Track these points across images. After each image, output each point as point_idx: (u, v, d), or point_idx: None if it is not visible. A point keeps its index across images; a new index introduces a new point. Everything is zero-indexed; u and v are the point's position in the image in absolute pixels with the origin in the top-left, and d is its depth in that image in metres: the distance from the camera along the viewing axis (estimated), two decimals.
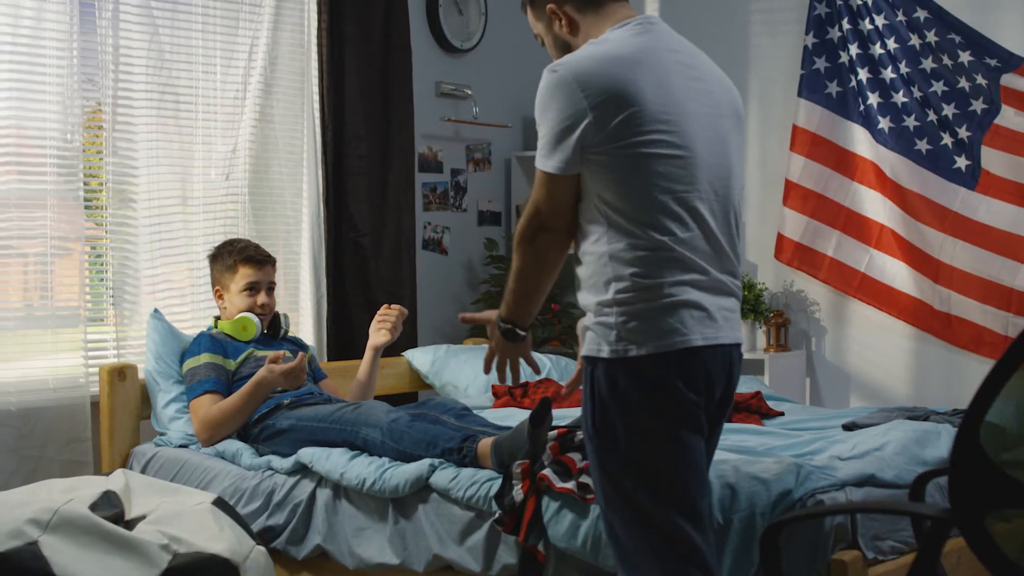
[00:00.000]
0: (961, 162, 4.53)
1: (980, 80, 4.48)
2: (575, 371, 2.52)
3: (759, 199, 5.12)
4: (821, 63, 4.84)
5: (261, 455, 3.51)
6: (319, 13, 4.57)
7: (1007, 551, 1.70)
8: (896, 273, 4.70)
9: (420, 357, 4.53)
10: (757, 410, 3.77)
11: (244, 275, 3.85)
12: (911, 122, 4.63)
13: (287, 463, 3.35)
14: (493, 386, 4.20)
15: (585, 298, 2.28)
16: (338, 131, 4.62)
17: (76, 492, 2.95)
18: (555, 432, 2.85)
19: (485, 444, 2.99)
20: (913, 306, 4.67)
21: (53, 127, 3.83)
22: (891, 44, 4.64)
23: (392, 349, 4.23)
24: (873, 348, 4.86)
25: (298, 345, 4.01)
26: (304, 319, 4.58)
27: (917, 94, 4.60)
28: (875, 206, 4.74)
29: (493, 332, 2.40)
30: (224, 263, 3.88)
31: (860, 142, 4.78)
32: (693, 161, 2.24)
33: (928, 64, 4.57)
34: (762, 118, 5.11)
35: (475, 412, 3.51)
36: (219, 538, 2.92)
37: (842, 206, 4.83)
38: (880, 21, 4.67)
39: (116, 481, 3.07)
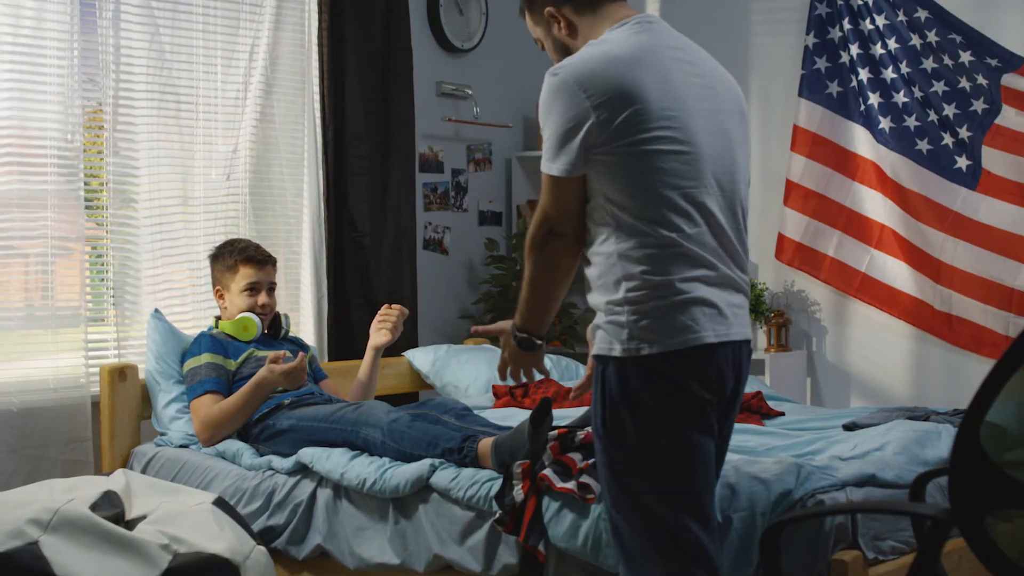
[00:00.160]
0: (962, 162, 4.53)
1: (981, 80, 4.48)
2: (584, 375, 2.53)
3: (760, 199, 5.12)
4: (822, 63, 4.84)
5: (262, 455, 3.51)
6: (320, 13, 4.57)
7: (1007, 551, 1.70)
8: (897, 273, 4.70)
9: (421, 357, 4.53)
10: (758, 410, 3.77)
11: (245, 275, 3.85)
12: (912, 122, 4.63)
13: (287, 463, 3.35)
14: (494, 386, 4.21)
15: (595, 298, 2.29)
16: (339, 131, 4.62)
17: (77, 492, 2.95)
18: (555, 432, 2.85)
19: (485, 444, 2.99)
20: (914, 306, 4.67)
21: (54, 127, 3.83)
22: (892, 44, 4.64)
23: (392, 349, 4.23)
24: (874, 348, 4.86)
25: (299, 345, 4.01)
26: (305, 319, 4.58)
27: (918, 94, 4.60)
28: (876, 206, 4.74)
29: (508, 342, 2.41)
30: (225, 263, 3.88)
31: (861, 142, 4.78)
32: (698, 156, 2.25)
33: (929, 64, 4.57)
34: (763, 118, 5.11)
35: (475, 412, 3.51)
36: (219, 538, 2.92)
37: (843, 206, 4.83)
38: (881, 21, 4.67)
39: (116, 481, 3.07)
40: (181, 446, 3.68)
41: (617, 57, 2.23)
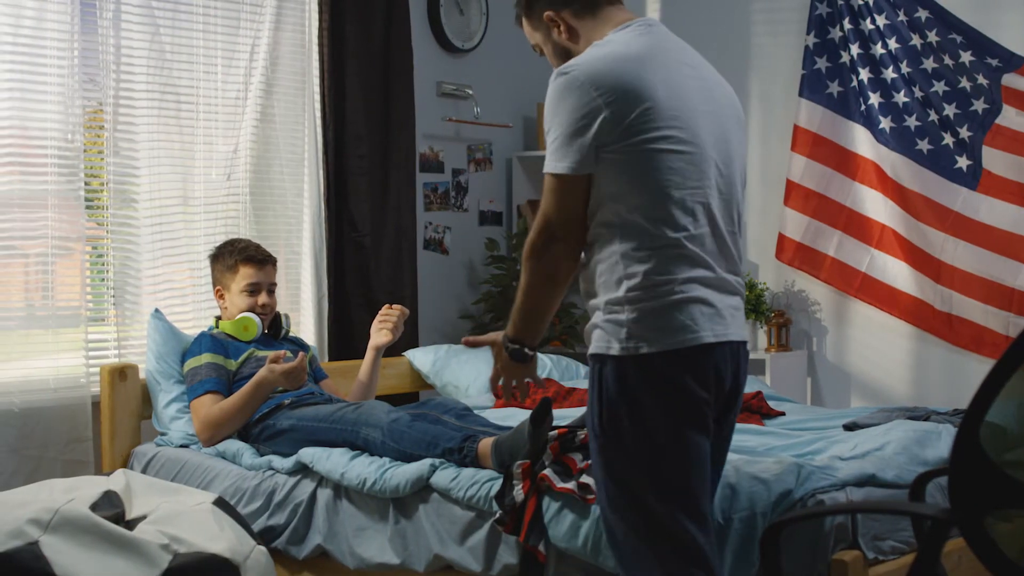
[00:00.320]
0: (962, 162, 4.53)
1: (981, 80, 4.47)
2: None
3: (760, 199, 5.12)
4: (822, 63, 4.84)
5: (262, 455, 3.51)
6: (320, 13, 4.57)
7: (1007, 551, 1.70)
8: (897, 273, 4.70)
9: (421, 357, 4.53)
10: (758, 410, 3.77)
11: (245, 275, 3.85)
12: (912, 122, 4.63)
13: (288, 463, 3.35)
14: None
15: (595, 297, 2.28)
16: (339, 131, 4.62)
17: (77, 492, 2.95)
18: (556, 432, 2.85)
19: (486, 444, 2.99)
20: (914, 306, 4.67)
21: (54, 127, 3.83)
22: (892, 44, 4.64)
23: (393, 349, 4.23)
24: (874, 348, 4.86)
25: (299, 345, 4.01)
26: (305, 319, 4.58)
27: (918, 94, 4.60)
28: (876, 206, 4.74)
29: (499, 353, 2.40)
30: (225, 263, 3.88)
31: (861, 142, 4.77)
32: (702, 158, 2.26)
33: (929, 64, 4.57)
34: (763, 118, 5.11)
35: (476, 412, 3.52)
36: (220, 538, 2.92)
37: (843, 206, 4.82)
38: (881, 21, 4.67)
39: (117, 481, 3.08)
40: (181, 446, 3.68)
41: (626, 56, 2.24)
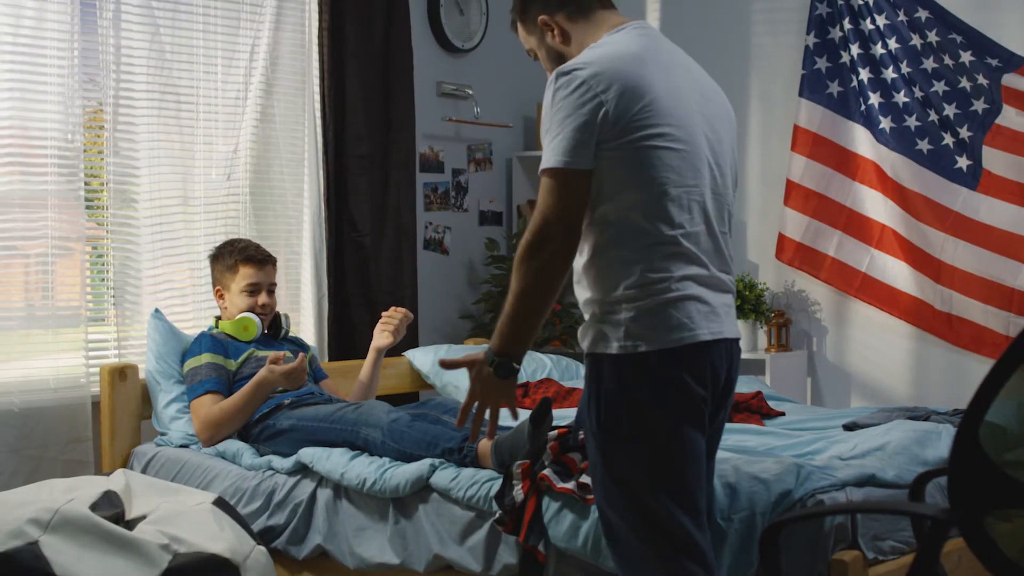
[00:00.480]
0: (962, 162, 4.53)
1: (981, 80, 4.47)
2: None
3: (760, 199, 5.12)
4: (822, 63, 4.84)
5: (262, 455, 3.51)
6: (320, 13, 4.57)
7: (1007, 551, 1.70)
8: (897, 273, 4.70)
9: (421, 357, 4.53)
10: (758, 410, 3.77)
11: (245, 275, 3.85)
12: (912, 122, 4.63)
13: (288, 463, 3.35)
14: None
15: (590, 296, 2.28)
16: (339, 131, 4.62)
17: (77, 492, 2.95)
18: (555, 432, 2.85)
19: (485, 444, 2.99)
20: (914, 306, 4.67)
21: (54, 127, 3.83)
22: (892, 44, 4.64)
23: (393, 349, 4.23)
24: (874, 348, 4.86)
25: (299, 345, 4.01)
26: (305, 319, 4.58)
27: (918, 94, 4.60)
28: (876, 206, 4.74)
29: (479, 372, 2.25)
30: (225, 263, 3.88)
31: (861, 142, 4.78)
32: (698, 157, 2.28)
33: (929, 64, 4.57)
34: (763, 118, 5.11)
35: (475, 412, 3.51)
36: (219, 538, 2.92)
37: (843, 206, 4.83)
38: (881, 21, 4.67)
39: (117, 481, 3.08)
40: (181, 446, 3.68)
41: (625, 55, 2.26)
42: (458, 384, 4.41)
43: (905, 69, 4.61)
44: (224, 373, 3.72)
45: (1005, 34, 4.46)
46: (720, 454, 2.79)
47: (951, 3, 4.55)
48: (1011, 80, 4.44)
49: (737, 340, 2.37)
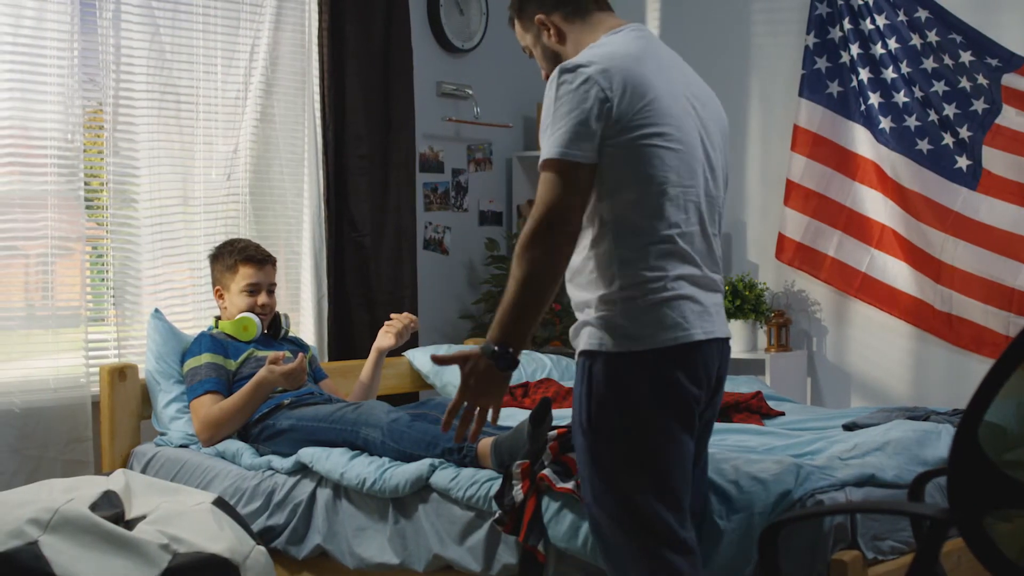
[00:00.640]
0: (962, 162, 4.53)
1: (981, 80, 4.47)
2: None
3: (760, 199, 5.12)
4: (822, 63, 4.84)
5: (261, 455, 3.51)
6: (320, 13, 4.57)
7: (1006, 551, 1.70)
8: (897, 273, 4.70)
9: (421, 357, 4.53)
10: (758, 410, 3.77)
11: (245, 275, 3.85)
12: (912, 122, 4.63)
13: (287, 463, 3.35)
14: None
15: (585, 294, 2.29)
16: (339, 131, 4.62)
17: (76, 492, 2.95)
18: (555, 432, 2.85)
19: (485, 444, 2.99)
20: (914, 306, 4.67)
21: (54, 127, 3.83)
22: (892, 44, 4.64)
23: (393, 349, 4.24)
24: (874, 348, 4.86)
25: (298, 345, 4.01)
26: (305, 319, 4.58)
27: (918, 94, 4.60)
28: (876, 206, 4.74)
29: (474, 367, 2.20)
30: (225, 263, 3.89)
31: (861, 142, 4.78)
32: (694, 158, 2.31)
33: (929, 64, 4.57)
34: (763, 118, 5.11)
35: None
36: (219, 538, 2.92)
37: (843, 206, 4.83)
38: (881, 21, 4.67)
39: (116, 481, 3.08)
40: (181, 446, 3.68)
41: (626, 54, 2.28)
42: (458, 384, 4.40)
43: (905, 69, 4.61)
44: (224, 373, 3.72)
45: (1005, 34, 4.46)
46: (720, 454, 2.80)
47: (951, 3, 4.55)
48: (1011, 80, 4.44)
49: (728, 340, 2.39)
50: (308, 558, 3.27)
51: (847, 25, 4.76)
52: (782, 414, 3.81)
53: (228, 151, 4.33)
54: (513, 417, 3.48)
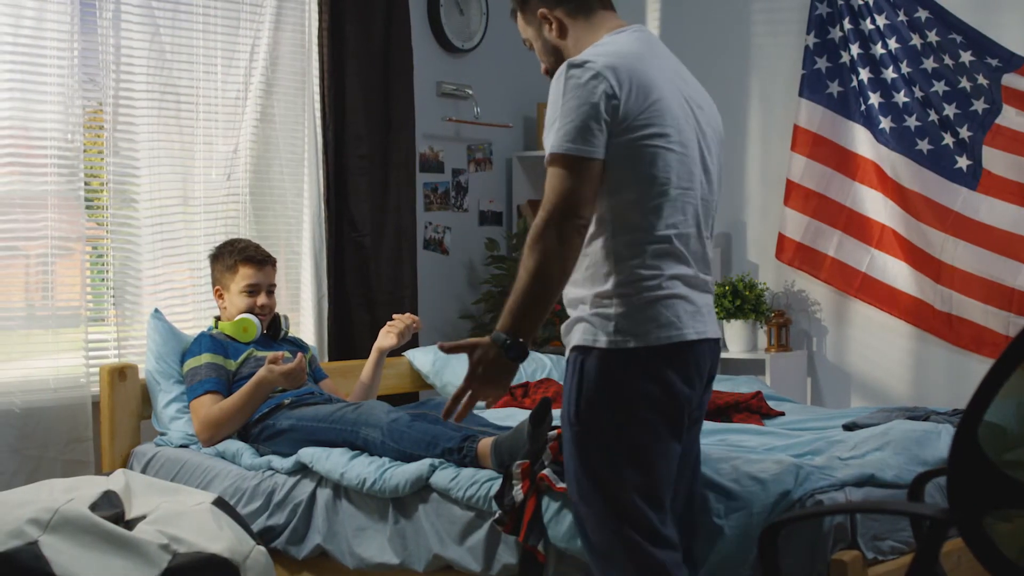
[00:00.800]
0: (962, 162, 4.53)
1: (981, 80, 4.47)
2: None
3: (760, 199, 5.12)
4: (822, 63, 4.84)
5: (261, 455, 3.51)
6: (320, 13, 4.57)
7: (1006, 551, 1.70)
8: (897, 273, 4.70)
9: (421, 357, 4.53)
10: (758, 410, 3.77)
11: (244, 276, 3.85)
12: (912, 122, 4.63)
13: (287, 463, 3.35)
14: None
15: (580, 291, 2.30)
16: (339, 131, 4.62)
17: (76, 492, 2.95)
18: (555, 432, 2.85)
19: (485, 444, 2.99)
20: (914, 306, 4.67)
21: (54, 127, 3.83)
22: (892, 44, 4.64)
23: (394, 350, 4.24)
24: (874, 348, 4.86)
25: (298, 346, 4.01)
26: (305, 319, 4.58)
27: (918, 94, 4.60)
28: (876, 206, 4.74)
29: (483, 355, 2.20)
30: (225, 263, 3.89)
31: (861, 142, 4.78)
32: (693, 161, 2.33)
33: (929, 64, 4.57)
34: (763, 118, 5.11)
35: (475, 412, 3.52)
36: (219, 538, 2.92)
37: (843, 206, 4.83)
38: (881, 21, 4.67)
39: (116, 481, 3.08)
40: (181, 446, 3.68)
41: (631, 53, 2.30)
42: (457, 384, 4.40)
43: (905, 69, 4.61)
44: (224, 373, 3.72)
45: (1005, 34, 4.46)
46: (720, 454, 2.80)
47: (951, 3, 4.55)
48: (1011, 80, 4.44)
49: (719, 340, 2.42)
50: (308, 558, 3.27)
51: (847, 25, 4.76)
52: (782, 414, 3.81)
53: (228, 151, 4.33)
54: (513, 417, 3.49)
